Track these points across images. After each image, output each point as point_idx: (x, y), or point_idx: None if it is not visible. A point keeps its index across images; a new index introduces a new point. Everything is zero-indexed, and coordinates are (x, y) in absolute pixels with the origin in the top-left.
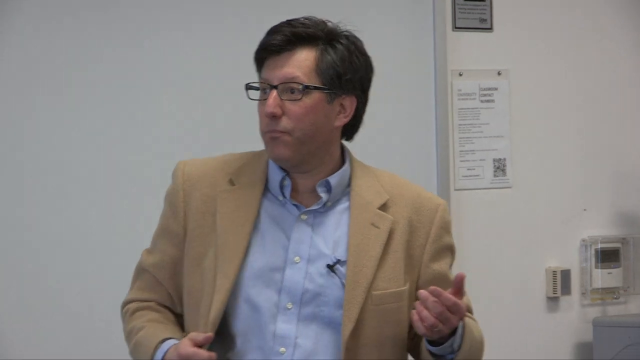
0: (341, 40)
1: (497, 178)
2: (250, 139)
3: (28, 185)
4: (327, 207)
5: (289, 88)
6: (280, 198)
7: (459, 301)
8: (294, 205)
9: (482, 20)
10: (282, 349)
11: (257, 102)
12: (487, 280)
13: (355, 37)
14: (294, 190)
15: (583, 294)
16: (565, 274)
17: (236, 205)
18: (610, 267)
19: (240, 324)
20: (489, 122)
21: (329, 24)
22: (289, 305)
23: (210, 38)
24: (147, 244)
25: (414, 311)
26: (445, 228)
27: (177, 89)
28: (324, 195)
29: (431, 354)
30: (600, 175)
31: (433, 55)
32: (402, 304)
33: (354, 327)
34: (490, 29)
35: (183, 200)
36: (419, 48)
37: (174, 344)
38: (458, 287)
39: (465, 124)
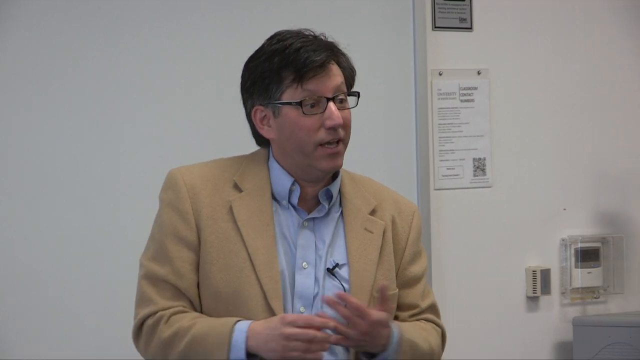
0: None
1: (476, 177)
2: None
3: (27, 185)
4: (324, 214)
5: (340, 98)
6: (284, 203)
7: (363, 307)
8: (298, 211)
9: (462, 20)
10: None
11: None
12: (467, 280)
13: None
14: (300, 196)
15: (563, 293)
16: (545, 274)
17: (252, 212)
18: (590, 267)
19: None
20: (469, 121)
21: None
22: (302, 309)
23: (207, 39)
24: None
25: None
26: (419, 233)
27: (175, 90)
28: (325, 203)
29: None
30: (580, 175)
31: (413, 55)
32: (394, 306)
33: None
34: (470, 28)
35: (191, 207)
36: (399, 47)
37: (255, 322)
38: (382, 297)
39: (445, 124)
